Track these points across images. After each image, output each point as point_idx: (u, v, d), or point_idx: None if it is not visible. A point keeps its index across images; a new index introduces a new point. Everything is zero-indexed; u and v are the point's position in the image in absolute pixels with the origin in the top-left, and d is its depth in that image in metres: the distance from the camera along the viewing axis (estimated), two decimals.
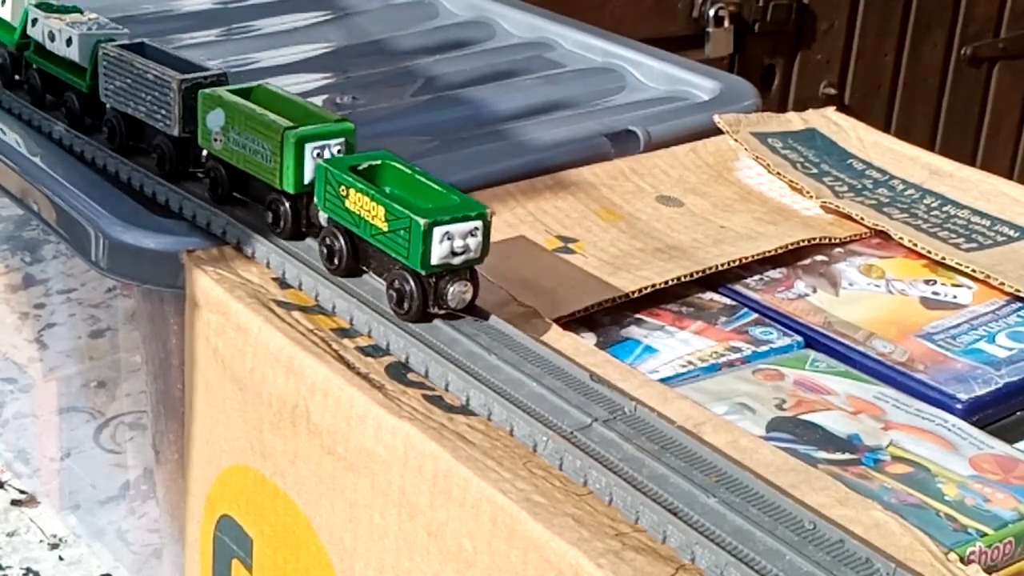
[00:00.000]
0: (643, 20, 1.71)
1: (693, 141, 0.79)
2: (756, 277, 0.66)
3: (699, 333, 0.61)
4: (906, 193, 0.74)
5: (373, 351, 0.56)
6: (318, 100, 0.83)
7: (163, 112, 0.64)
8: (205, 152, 0.63)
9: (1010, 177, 0.78)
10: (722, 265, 0.65)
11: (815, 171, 0.76)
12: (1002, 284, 0.65)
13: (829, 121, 0.82)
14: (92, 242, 0.64)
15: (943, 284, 0.66)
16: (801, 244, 0.68)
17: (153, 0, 0.99)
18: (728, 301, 0.64)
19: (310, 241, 0.60)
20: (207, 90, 0.62)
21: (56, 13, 0.72)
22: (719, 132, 0.79)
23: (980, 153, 2.20)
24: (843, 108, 1.29)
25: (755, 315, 0.63)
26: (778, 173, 0.75)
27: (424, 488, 0.50)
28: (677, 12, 1.79)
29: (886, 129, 1.55)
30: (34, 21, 0.73)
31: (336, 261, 0.57)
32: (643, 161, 0.76)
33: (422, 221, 0.52)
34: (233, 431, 0.60)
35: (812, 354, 0.60)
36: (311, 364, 0.54)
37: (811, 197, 0.73)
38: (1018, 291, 0.64)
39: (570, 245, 0.66)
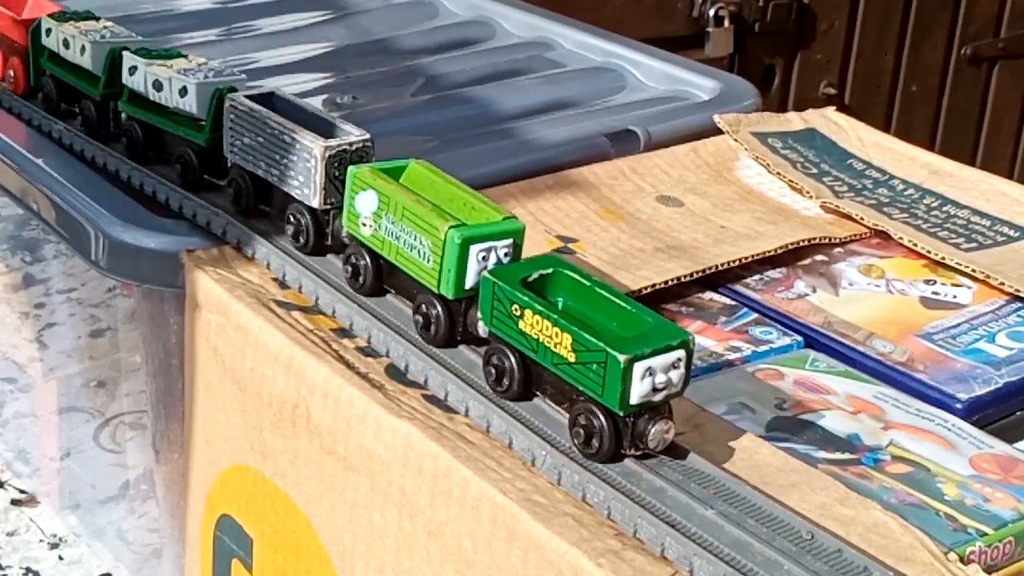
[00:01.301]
0: (643, 20, 1.71)
1: (693, 141, 0.79)
2: (756, 277, 0.66)
3: (699, 333, 0.61)
4: (906, 193, 0.74)
5: (373, 351, 0.56)
6: (318, 100, 0.83)
7: (301, 180, 0.58)
8: (346, 231, 0.57)
9: (1010, 177, 0.78)
10: (722, 265, 0.65)
11: (815, 171, 0.76)
12: (1002, 284, 0.65)
13: (829, 121, 0.82)
14: (92, 242, 0.64)
15: (943, 284, 0.66)
16: (801, 244, 0.68)
17: (153, 0, 0.99)
18: (728, 301, 0.64)
19: (465, 350, 0.53)
20: (357, 168, 0.55)
21: (159, 60, 0.66)
22: (719, 132, 0.79)
23: (980, 153, 2.20)
24: (843, 108, 1.29)
25: (755, 315, 0.63)
26: (778, 173, 0.75)
27: (424, 488, 0.50)
28: (677, 12, 1.79)
29: (886, 129, 1.55)
30: (132, 69, 0.66)
31: (506, 383, 0.50)
32: (643, 161, 0.76)
33: (621, 357, 0.45)
34: (233, 431, 0.60)
35: (812, 354, 0.60)
36: (311, 364, 0.54)
37: (811, 197, 0.73)
38: (1018, 291, 0.64)
39: (570, 245, 0.66)
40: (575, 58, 0.94)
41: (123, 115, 0.68)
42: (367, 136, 0.58)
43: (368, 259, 0.55)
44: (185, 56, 0.66)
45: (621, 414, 0.46)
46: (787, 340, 0.61)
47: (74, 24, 0.72)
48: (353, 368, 0.54)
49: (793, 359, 0.59)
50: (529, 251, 0.53)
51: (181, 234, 0.63)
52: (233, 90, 0.62)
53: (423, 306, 0.53)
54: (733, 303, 0.64)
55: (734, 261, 0.65)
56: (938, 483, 0.51)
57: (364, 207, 0.55)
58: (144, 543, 0.78)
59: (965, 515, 0.49)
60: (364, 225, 0.55)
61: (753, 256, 0.66)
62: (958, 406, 0.57)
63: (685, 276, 0.63)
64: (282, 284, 0.60)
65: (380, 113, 0.83)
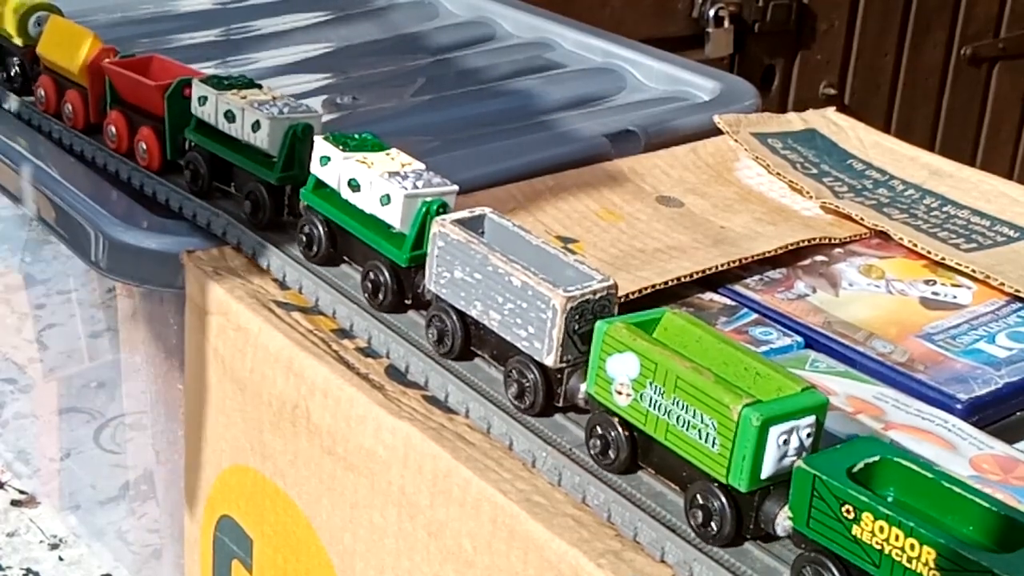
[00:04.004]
0: (643, 20, 1.71)
1: (693, 141, 0.79)
2: (756, 277, 0.66)
3: None
4: (906, 193, 0.74)
5: (373, 352, 0.56)
6: (318, 100, 0.83)
7: (531, 331, 0.49)
8: (585, 390, 0.48)
9: (1010, 177, 0.78)
10: (722, 265, 0.65)
11: (815, 171, 0.76)
12: (1002, 284, 0.65)
13: (829, 121, 0.82)
14: (92, 242, 0.64)
15: (943, 284, 0.66)
16: (801, 244, 0.68)
17: (153, 0, 0.99)
18: (728, 301, 0.64)
19: (752, 548, 0.45)
20: (610, 325, 0.46)
21: (357, 152, 0.56)
22: (719, 132, 0.79)
23: (980, 153, 2.20)
24: (843, 108, 1.29)
25: (755, 315, 0.63)
26: (778, 173, 0.75)
27: (424, 488, 0.50)
28: (677, 12, 1.78)
29: (886, 129, 1.55)
30: (324, 159, 0.57)
31: None
32: (643, 161, 0.76)
33: None
34: (233, 431, 0.60)
35: (812, 354, 0.60)
36: (311, 364, 0.54)
37: (811, 197, 0.73)
38: (1018, 291, 0.64)
39: (570, 245, 0.66)
40: (575, 58, 0.94)
41: (302, 204, 0.60)
42: (610, 282, 0.49)
43: (620, 431, 0.47)
44: (386, 148, 0.57)
45: None
46: (787, 340, 0.61)
47: (238, 93, 0.62)
48: (353, 368, 0.54)
49: (793, 360, 0.59)
50: None
51: (181, 235, 0.63)
52: (444, 207, 0.54)
53: (699, 496, 0.44)
54: (733, 303, 0.64)
55: (734, 262, 0.65)
56: None
57: (620, 372, 0.46)
58: (144, 544, 0.78)
59: None
60: (619, 393, 0.46)
61: (753, 257, 0.66)
62: (958, 406, 0.57)
63: (685, 276, 0.63)
64: (282, 285, 0.60)
65: (380, 113, 0.83)
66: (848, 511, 0.40)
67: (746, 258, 0.66)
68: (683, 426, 0.44)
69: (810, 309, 0.63)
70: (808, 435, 0.43)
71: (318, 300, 0.58)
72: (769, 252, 0.66)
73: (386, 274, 0.56)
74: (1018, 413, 0.58)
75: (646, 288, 0.62)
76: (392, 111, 0.84)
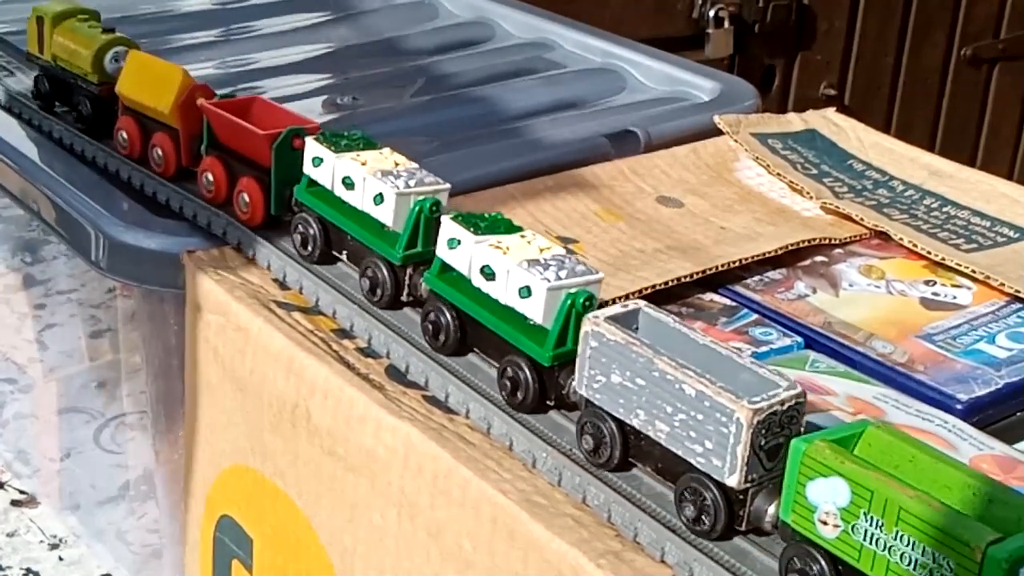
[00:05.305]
0: (643, 20, 1.71)
1: (693, 142, 0.79)
2: (756, 278, 0.66)
3: None
4: (906, 194, 0.74)
5: (373, 352, 0.56)
6: (318, 100, 0.83)
7: (706, 446, 0.44)
8: (777, 516, 0.43)
9: (1010, 178, 0.78)
10: (722, 266, 0.65)
11: (815, 172, 0.76)
12: (1002, 285, 0.65)
13: (829, 122, 0.82)
14: (92, 242, 0.64)
15: (943, 285, 0.66)
16: (801, 245, 0.68)
17: (153, 0, 0.99)
18: (728, 302, 0.64)
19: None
20: (809, 444, 0.41)
21: (489, 234, 0.51)
22: (719, 133, 0.79)
23: (980, 154, 2.20)
24: (843, 109, 1.29)
25: (755, 316, 0.63)
26: (778, 174, 0.75)
27: (424, 488, 0.50)
28: (677, 12, 1.78)
29: (886, 130, 1.55)
30: (453, 241, 0.52)
31: None
32: (643, 161, 0.76)
33: None
34: (233, 432, 0.60)
35: (812, 355, 0.60)
36: (311, 365, 0.54)
37: (811, 198, 0.73)
38: (1018, 292, 0.64)
39: (570, 246, 0.66)
40: (575, 59, 0.94)
41: (424, 289, 0.55)
42: (798, 389, 0.44)
43: (825, 566, 0.41)
44: (519, 230, 0.52)
45: None
46: (787, 341, 0.61)
47: (357, 156, 0.56)
48: (353, 369, 0.54)
49: (793, 360, 0.59)
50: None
51: (182, 235, 0.63)
52: (589, 303, 0.48)
53: None
54: (733, 304, 0.64)
55: (734, 262, 0.65)
56: None
57: (825, 499, 0.41)
58: (144, 544, 0.78)
59: None
60: (824, 523, 0.41)
61: (753, 257, 0.66)
62: (958, 407, 0.57)
63: (685, 277, 0.63)
64: (282, 285, 0.60)
65: (380, 113, 0.83)
66: None
67: (746, 258, 0.66)
68: (909, 565, 0.39)
69: (810, 309, 0.63)
70: None
71: (318, 300, 0.58)
72: (769, 252, 0.66)
73: (526, 372, 0.50)
74: (1018, 413, 0.58)
75: (646, 288, 0.62)
76: (392, 111, 0.84)
